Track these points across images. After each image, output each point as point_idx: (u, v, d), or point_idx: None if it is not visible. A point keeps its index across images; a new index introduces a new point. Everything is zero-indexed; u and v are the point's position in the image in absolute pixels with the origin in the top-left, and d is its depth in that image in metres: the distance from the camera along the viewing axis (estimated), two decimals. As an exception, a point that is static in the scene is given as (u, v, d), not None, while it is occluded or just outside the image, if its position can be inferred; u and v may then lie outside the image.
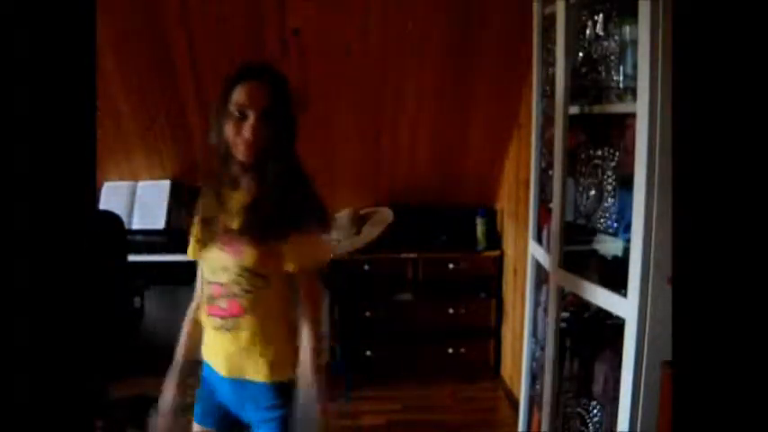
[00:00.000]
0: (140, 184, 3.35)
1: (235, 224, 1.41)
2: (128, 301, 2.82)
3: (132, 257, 2.82)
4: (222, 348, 1.48)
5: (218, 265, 1.43)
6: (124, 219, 2.93)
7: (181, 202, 3.35)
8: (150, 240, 3.16)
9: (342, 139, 3.18)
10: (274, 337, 1.46)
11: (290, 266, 1.42)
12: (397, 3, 2.63)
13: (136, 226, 3.25)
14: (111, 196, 3.31)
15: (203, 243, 1.44)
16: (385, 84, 2.93)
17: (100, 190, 3.33)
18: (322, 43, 2.76)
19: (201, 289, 1.52)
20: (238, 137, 1.37)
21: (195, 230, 1.48)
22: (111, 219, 2.72)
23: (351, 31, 2.73)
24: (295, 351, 1.43)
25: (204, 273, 1.48)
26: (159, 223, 3.25)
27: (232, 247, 1.40)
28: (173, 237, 3.21)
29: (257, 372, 1.44)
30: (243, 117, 1.37)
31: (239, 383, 1.47)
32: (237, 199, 1.44)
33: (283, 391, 1.44)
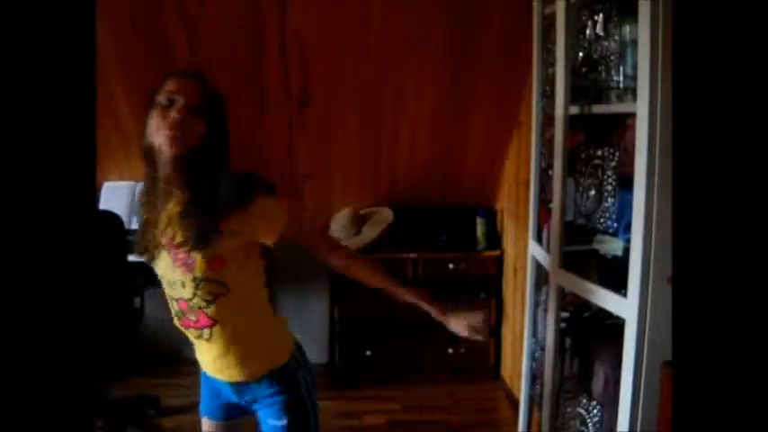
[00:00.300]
0: (140, 184, 3.34)
1: (177, 236, 1.35)
2: (128, 301, 2.82)
3: (132, 257, 2.82)
4: (208, 355, 1.46)
5: (174, 281, 1.40)
6: (124, 219, 2.93)
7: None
8: (150, 240, 3.16)
9: (342, 139, 3.18)
10: (253, 333, 1.44)
11: (268, 239, 1.39)
12: (397, 3, 2.63)
13: (136, 226, 3.24)
14: (111, 196, 3.31)
15: (149, 252, 1.40)
16: (385, 84, 2.93)
17: (100, 190, 3.33)
18: (322, 43, 2.76)
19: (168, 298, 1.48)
20: (163, 123, 1.29)
21: (139, 236, 1.44)
22: (111, 219, 2.72)
23: (351, 31, 2.73)
24: (281, 332, 1.48)
25: (165, 287, 1.45)
26: (159, 223, 3.24)
27: (180, 260, 1.36)
28: (173, 237, 3.21)
29: (243, 373, 1.44)
30: (170, 104, 1.30)
31: (234, 384, 1.46)
32: (171, 207, 1.38)
33: (278, 378, 1.44)
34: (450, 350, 3.36)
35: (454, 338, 3.46)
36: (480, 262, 3.37)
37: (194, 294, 1.37)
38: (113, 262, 2.64)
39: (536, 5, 2.25)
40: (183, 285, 1.38)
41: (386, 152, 3.24)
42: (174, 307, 1.45)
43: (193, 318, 1.41)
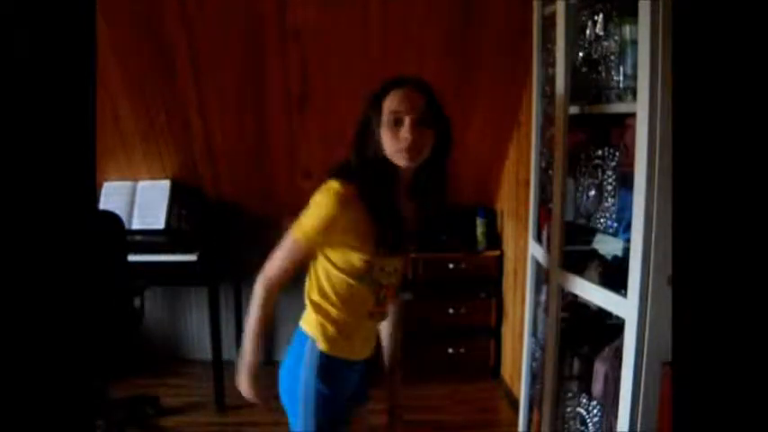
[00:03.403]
0: (140, 184, 3.35)
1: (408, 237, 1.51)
2: (128, 301, 2.82)
3: (132, 257, 2.82)
4: (368, 336, 1.61)
5: (390, 269, 1.52)
6: (124, 219, 2.93)
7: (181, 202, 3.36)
8: (150, 240, 3.16)
9: (342, 139, 3.17)
10: None
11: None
12: (397, 3, 2.63)
13: (136, 226, 3.25)
14: (111, 196, 3.31)
15: (383, 250, 1.45)
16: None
17: (100, 190, 3.33)
18: (322, 43, 2.76)
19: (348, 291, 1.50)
20: (397, 141, 1.39)
21: (353, 240, 1.44)
22: (111, 219, 2.72)
23: (351, 30, 2.73)
24: None
25: (374, 276, 1.49)
26: (159, 223, 3.25)
27: (400, 253, 1.52)
28: (173, 237, 3.21)
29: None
30: (398, 123, 1.39)
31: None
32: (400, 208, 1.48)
33: None
34: (451, 350, 3.37)
35: (454, 339, 3.48)
36: (480, 262, 3.37)
37: (397, 282, 1.58)
38: (113, 262, 2.64)
39: (536, 5, 2.25)
40: (395, 272, 1.55)
41: (386, 152, 3.25)
42: (371, 296, 1.52)
43: (388, 301, 1.58)
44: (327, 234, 1.42)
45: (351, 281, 1.47)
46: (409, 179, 1.48)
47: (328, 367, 1.51)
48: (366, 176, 1.42)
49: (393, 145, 1.39)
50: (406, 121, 1.38)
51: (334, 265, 1.47)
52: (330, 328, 1.50)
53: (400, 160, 1.40)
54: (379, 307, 1.55)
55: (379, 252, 1.44)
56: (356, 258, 1.45)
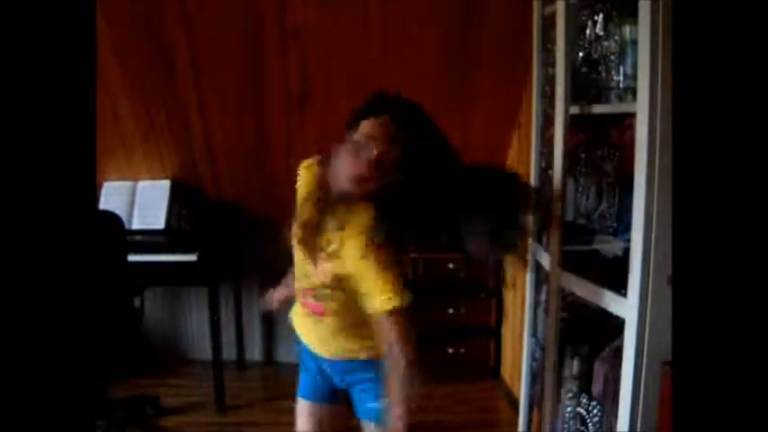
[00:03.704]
0: (140, 184, 3.35)
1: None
2: (128, 301, 2.82)
3: (132, 257, 2.82)
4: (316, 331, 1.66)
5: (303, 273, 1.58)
6: (124, 219, 2.93)
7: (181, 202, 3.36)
8: (150, 240, 3.16)
9: (342, 140, 3.17)
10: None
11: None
12: (397, 3, 2.63)
13: (136, 226, 3.25)
14: (111, 196, 3.31)
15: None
16: (385, 84, 2.93)
17: (100, 190, 3.33)
18: (322, 43, 2.76)
19: None
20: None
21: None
22: (111, 219, 2.72)
23: (351, 30, 2.73)
24: None
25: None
26: (159, 223, 3.24)
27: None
28: (173, 237, 3.21)
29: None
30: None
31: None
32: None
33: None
34: (451, 350, 3.36)
35: (454, 339, 3.48)
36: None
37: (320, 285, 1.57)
38: (113, 262, 2.64)
39: (536, 5, 2.25)
40: (311, 276, 1.56)
41: (386, 152, 3.24)
42: (304, 274, 1.57)
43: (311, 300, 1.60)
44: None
45: (294, 243, 1.55)
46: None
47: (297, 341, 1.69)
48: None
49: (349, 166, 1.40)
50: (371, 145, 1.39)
51: None
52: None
53: (347, 184, 1.42)
54: (307, 295, 1.55)
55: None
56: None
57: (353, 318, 1.50)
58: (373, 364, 1.53)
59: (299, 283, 1.56)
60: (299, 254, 1.52)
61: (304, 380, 1.73)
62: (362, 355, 1.58)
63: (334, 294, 1.49)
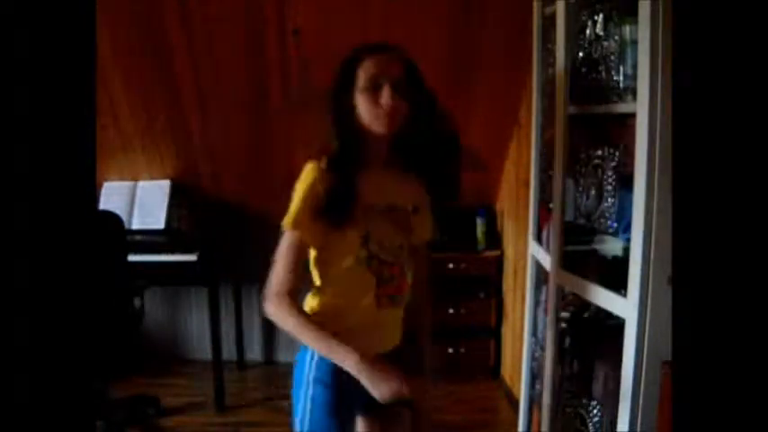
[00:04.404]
0: (140, 184, 3.35)
1: (398, 202, 1.44)
2: (128, 301, 2.82)
3: (132, 257, 2.82)
4: (383, 326, 1.49)
5: (395, 245, 1.43)
6: (124, 219, 2.93)
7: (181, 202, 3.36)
8: (150, 240, 3.16)
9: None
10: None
11: (424, 237, 1.52)
12: (397, 3, 2.63)
13: (136, 226, 3.25)
14: (111, 196, 3.31)
15: (349, 218, 1.36)
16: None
17: (100, 190, 3.34)
18: (322, 43, 2.76)
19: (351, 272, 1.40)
20: (375, 107, 1.35)
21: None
22: (111, 219, 2.72)
23: (351, 30, 2.73)
24: None
25: (374, 253, 1.40)
26: (159, 223, 3.25)
27: (400, 225, 1.44)
28: (173, 237, 3.21)
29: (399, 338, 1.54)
30: (377, 88, 1.35)
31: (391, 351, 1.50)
32: (379, 177, 1.42)
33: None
34: (451, 350, 3.36)
35: (454, 339, 3.48)
36: (480, 262, 3.37)
37: (406, 259, 1.46)
38: (113, 262, 2.64)
39: (536, 5, 2.25)
40: (402, 249, 1.44)
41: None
42: (372, 281, 1.41)
43: (396, 283, 1.45)
44: (313, 212, 1.34)
45: (342, 261, 1.39)
46: (385, 149, 1.42)
47: (323, 365, 1.38)
48: (339, 147, 1.39)
49: (371, 111, 1.36)
50: (385, 86, 1.35)
51: (321, 247, 1.41)
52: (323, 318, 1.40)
53: (379, 127, 1.37)
54: (389, 288, 1.42)
55: (345, 215, 1.36)
56: (344, 234, 1.38)
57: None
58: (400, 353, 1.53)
59: (381, 272, 1.40)
60: (385, 229, 1.41)
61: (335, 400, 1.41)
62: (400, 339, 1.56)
63: (411, 254, 1.47)
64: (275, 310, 1.34)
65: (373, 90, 1.35)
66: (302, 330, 1.34)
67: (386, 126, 1.36)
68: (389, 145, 1.42)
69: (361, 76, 1.37)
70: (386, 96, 1.34)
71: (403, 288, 1.46)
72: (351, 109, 1.38)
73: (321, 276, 1.45)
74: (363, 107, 1.37)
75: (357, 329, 1.38)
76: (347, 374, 1.31)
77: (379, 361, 1.30)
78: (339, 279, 1.42)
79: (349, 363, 1.29)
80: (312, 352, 1.41)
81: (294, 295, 1.35)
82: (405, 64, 1.41)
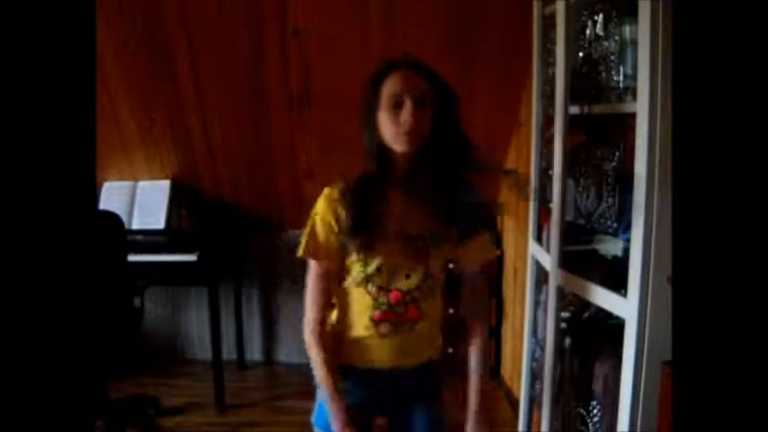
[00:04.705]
0: (140, 184, 3.35)
1: (412, 228, 1.39)
2: (128, 301, 2.82)
3: (132, 257, 2.82)
4: (390, 349, 1.46)
5: (398, 272, 1.40)
6: (124, 219, 2.93)
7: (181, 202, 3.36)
8: (150, 240, 3.16)
9: (342, 139, 3.17)
10: (434, 335, 1.58)
11: (474, 265, 1.52)
12: (398, 3, 2.63)
13: (136, 226, 3.25)
14: (111, 196, 3.31)
15: (367, 247, 1.37)
16: (385, 84, 2.93)
17: (100, 190, 3.34)
18: (322, 43, 2.76)
19: (351, 299, 1.43)
20: (395, 125, 1.32)
21: (343, 239, 1.38)
22: (111, 219, 2.72)
23: (351, 31, 2.73)
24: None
25: (371, 277, 1.40)
26: (159, 223, 3.25)
27: (411, 251, 1.39)
28: (173, 237, 3.21)
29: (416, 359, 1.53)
30: (398, 106, 1.33)
31: (403, 370, 1.51)
32: (398, 200, 1.40)
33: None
34: (450, 350, 3.36)
35: (454, 338, 3.47)
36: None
37: (417, 287, 1.42)
38: (113, 262, 2.64)
39: (536, 5, 2.25)
40: (409, 277, 1.41)
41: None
42: (371, 303, 1.41)
43: (401, 310, 1.42)
44: (326, 236, 1.39)
45: (346, 285, 1.42)
46: (404, 169, 1.40)
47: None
48: (369, 168, 1.39)
49: (391, 129, 1.34)
50: (406, 103, 1.32)
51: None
52: (330, 329, 1.47)
53: (399, 145, 1.35)
54: (387, 314, 1.42)
55: (365, 245, 1.36)
56: (350, 258, 1.39)
57: (439, 316, 1.54)
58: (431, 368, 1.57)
59: (378, 297, 1.40)
60: (387, 260, 1.39)
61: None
62: (434, 355, 1.59)
63: (435, 285, 1.45)
64: (306, 337, 1.44)
65: (394, 108, 1.33)
66: (316, 365, 1.43)
67: (405, 143, 1.34)
68: (410, 165, 1.39)
69: (384, 94, 1.35)
70: (406, 114, 1.32)
71: (409, 317, 1.43)
72: (376, 128, 1.37)
73: (333, 290, 1.47)
74: (385, 125, 1.35)
75: (362, 346, 1.45)
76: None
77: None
78: (341, 296, 1.46)
79: (334, 421, 1.41)
80: None
81: (321, 324, 1.44)
82: (430, 80, 1.39)
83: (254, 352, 3.70)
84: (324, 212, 1.40)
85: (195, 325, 3.69)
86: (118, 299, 2.68)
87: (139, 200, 3.31)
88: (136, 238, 3.12)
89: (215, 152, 3.25)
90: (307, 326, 1.44)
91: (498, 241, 3.41)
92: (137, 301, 2.90)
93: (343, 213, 1.38)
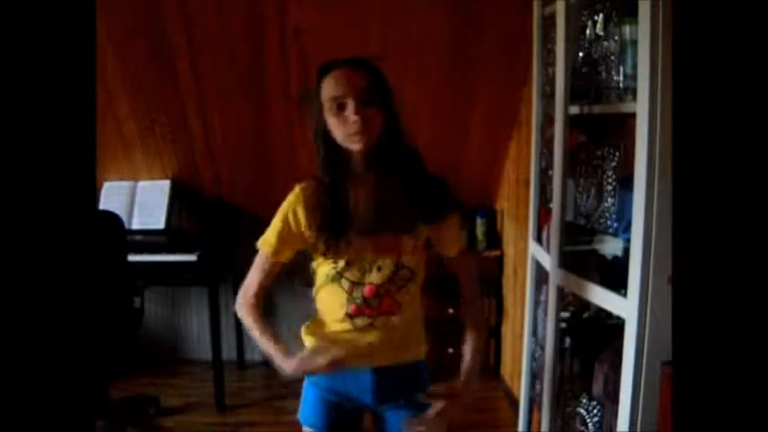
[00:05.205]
0: (140, 184, 3.35)
1: (378, 221, 1.38)
2: (128, 301, 2.82)
3: (132, 257, 2.82)
4: (368, 343, 1.46)
5: (368, 267, 1.41)
6: (124, 219, 2.93)
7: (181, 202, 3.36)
8: (150, 240, 3.16)
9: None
10: (416, 323, 1.55)
11: (451, 251, 1.49)
12: (398, 3, 2.63)
13: (136, 226, 3.25)
14: (111, 196, 3.31)
15: (335, 248, 1.38)
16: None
17: (100, 190, 3.34)
18: (322, 44, 2.76)
19: (328, 294, 1.45)
20: (344, 126, 1.32)
21: (312, 240, 1.40)
22: (111, 219, 2.72)
23: (351, 30, 2.73)
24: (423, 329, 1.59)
25: (342, 275, 1.41)
26: (159, 223, 3.25)
27: (382, 244, 1.39)
28: (173, 237, 3.21)
29: (400, 356, 1.51)
30: (341, 107, 1.32)
31: (383, 369, 1.49)
32: (361, 196, 1.39)
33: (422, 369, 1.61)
34: (451, 350, 3.36)
35: (454, 338, 3.47)
36: (480, 262, 3.37)
37: (390, 278, 1.41)
38: (113, 262, 2.64)
39: (536, 5, 2.25)
40: (380, 269, 1.41)
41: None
42: (346, 298, 1.42)
43: (375, 303, 1.42)
44: (286, 236, 1.43)
45: (321, 281, 1.45)
46: (363, 164, 1.38)
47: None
48: (324, 167, 1.40)
49: (341, 129, 1.33)
50: (349, 102, 1.31)
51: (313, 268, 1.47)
52: (312, 329, 1.51)
53: (353, 144, 1.34)
54: (362, 308, 1.42)
55: (332, 246, 1.38)
56: (321, 257, 1.42)
57: (418, 308, 1.52)
58: (420, 368, 1.57)
59: (351, 291, 1.41)
60: (357, 255, 1.39)
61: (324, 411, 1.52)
62: (419, 356, 1.57)
63: (411, 276, 1.43)
64: (237, 308, 1.49)
65: (338, 108, 1.32)
66: (251, 329, 1.48)
67: (357, 143, 1.33)
68: (367, 161, 1.38)
69: (326, 96, 1.34)
70: (350, 114, 1.31)
71: (384, 309, 1.43)
72: (326, 131, 1.37)
73: (275, 274, 1.50)
74: (334, 127, 1.35)
75: (342, 341, 1.44)
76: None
77: (286, 360, 1.39)
78: (318, 293, 1.49)
79: (275, 357, 1.43)
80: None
81: (253, 297, 1.48)
82: (369, 74, 1.37)
83: (255, 352, 3.69)
84: (285, 210, 1.44)
85: (195, 325, 3.69)
86: (118, 299, 2.68)
87: (139, 200, 3.31)
88: (136, 238, 3.12)
89: (215, 152, 3.25)
90: (239, 296, 1.49)
91: (498, 241, 3.41)
92: (137, 302, 2.90)
93: (303, 213, 1.41)
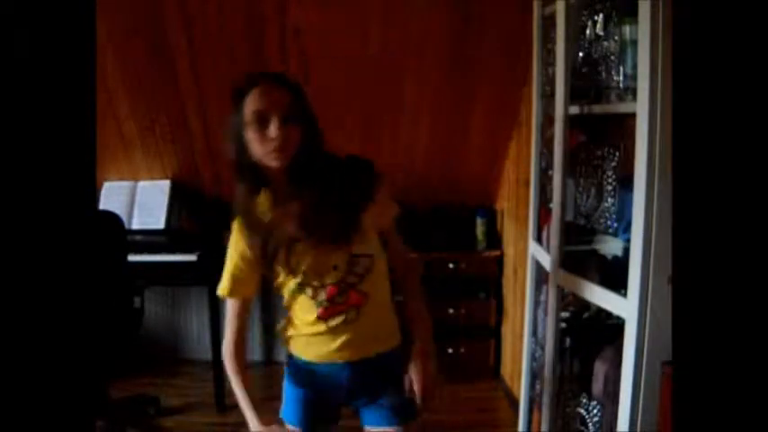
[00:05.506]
0: (140, 184, 3.35)
1: (315, 226, 1.37)
2: (128, 301, 2.82)
3: (132, 257, 2.82)
4: (343, 338, 1.47)
5: (324, 269, 1.41)
6: (124, 219, 2.93)
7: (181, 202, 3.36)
8: (150, 240, 3.16)
9: (342, 140, 3.17)
10: (388, 310, 1.55)
11: (384, 224, 1.50)
12: (398, 3, 2.63)
13: (136, 226, 3.25)
14: (111, 196, 3.31)
15: (287, 268, 1.41)
16: (385, 84, 2.94)
17: (100, 190, 3.34)
18: (322, 44, 2.76)
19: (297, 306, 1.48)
20: (264, 142, 1.31)
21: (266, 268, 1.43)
22: (111, 219, 2.72)
23: (351, 30, 2.73)
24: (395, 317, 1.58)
25: (303, 284, 1.43)
26: (159, 223, 3.25)
27: (329, 245, 1.39)
28: (173, 237, 3.21)
29: (377, 347, 1.52)
30: (264, 122, 1.30)
31: (360, 361, 1.50)
32: (289, 210, 1.38)
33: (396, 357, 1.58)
34: (450, 350, 3.36)
35: (454, 339, 3.48)
36: (480, 262, 3.37)
37: (348, 272, 1.42)
38: (113, 262, 2.64)
39: (536, 5, 2.25)
40: (336, 267, 1.41)
41: (386, 152, 3.25)
42: (313, 303, 1.44)
43: (341, 299, 1.43)
44: (239, 274, 1.45)
45: (287, 296, 1.48)
46: (283, 180, 1.37)
47: (295, 366, 1.57)
48: (242, 182, 1.38)
49: (261, 145, 1.31)
50: (273, 118, 1.30)
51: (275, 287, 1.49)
52: (290, 330, 1.54)
53: (271, 161, 1.32)
54: (329, 309, 1.44)
55: (284, 268, 1.40)
56: (278, 278, 1.45)
57: (387, 295, 1.52)
58: (394, 357, 1.55)
59: (316, 296, 1.43)
60: (310, 260, 1.41)
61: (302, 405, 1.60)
62: (394, 344, 1.56)
63: (369, 264, 1.44)
64: (224, 360, 1.52)
65: (260, 124, 1.30)
66: (235, 386, 1.57)
67: (276, 159, 1.32)
68: (287, 176, 1.37)
69: (248, 111, 1.31)
70: (273, 130, 1.29)
71: (351, 303, 1.44)
72: (244, 145, 1.34)
73: (248, 311, 1.53)
74: (253, 143, 1.32)
75: (318, 342, 1.48)
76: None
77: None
78: (288, 305, 1.50)
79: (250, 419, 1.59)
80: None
81: (237, 345, 1.51)
82: (291, 90, 1.36)
83: (254, 352, 3.69)
84: (231, 250, 1.46)
85: (195, 325, 3.69)
86: (118, 299, 2.68)
87: (139, 200, 3.31)
88: (136, 238, 3.12)
89: (215, 152, 3.25)
90: (224, 349, 1.51)
91: (498, 241, 3.41)
92: (137, 301, 2.90)
93: (246, 245, 1.42)
